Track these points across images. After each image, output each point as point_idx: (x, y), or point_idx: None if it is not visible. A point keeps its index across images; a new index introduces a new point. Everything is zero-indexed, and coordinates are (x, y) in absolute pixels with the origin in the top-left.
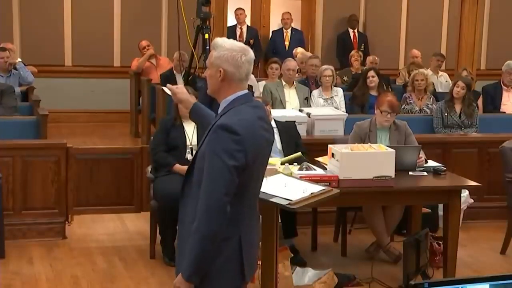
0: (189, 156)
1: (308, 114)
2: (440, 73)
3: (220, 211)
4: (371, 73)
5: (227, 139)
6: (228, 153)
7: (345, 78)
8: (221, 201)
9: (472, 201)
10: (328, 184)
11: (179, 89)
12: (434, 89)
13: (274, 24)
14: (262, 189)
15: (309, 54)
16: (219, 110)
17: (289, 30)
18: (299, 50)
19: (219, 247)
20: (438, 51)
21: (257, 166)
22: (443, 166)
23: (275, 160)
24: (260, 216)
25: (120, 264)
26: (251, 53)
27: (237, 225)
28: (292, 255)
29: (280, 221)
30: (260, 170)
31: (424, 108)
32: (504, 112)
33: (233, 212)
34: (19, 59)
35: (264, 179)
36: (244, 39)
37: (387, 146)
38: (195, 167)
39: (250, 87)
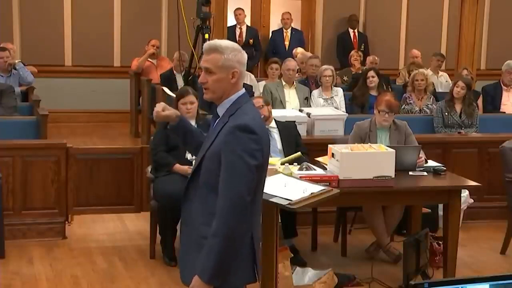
0: (189, 156)
1: (308, 114)
2: (440, 73)
3: (243, 211)
4: (371, 73)
5: (247, 139)
6: (249, 153)
7: (345, 78)
8: (244, 201)
9: (472, 201)
10: (328, 184)
11: (160, 107)
12: (434, 89)
13: (274, 24)
14: None
15: (309, 54)
16: (221, 111)
17: (289, 30)
18: (299, 50)
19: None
20: (438, 51)
21: (266, 163)
22: (443, 166)
23: (275, 160)
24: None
25: (120, 264)
26: None
27: (250, 222)
28: (292, 255)
29: (280, 221)
30: (267, 167)
31: (424, 108)
32: (504, 112)
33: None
34: (19, 60)
35: None
36: (244, 39)
37: (387, 146)
38: (203, 168)
39: (250, 87)
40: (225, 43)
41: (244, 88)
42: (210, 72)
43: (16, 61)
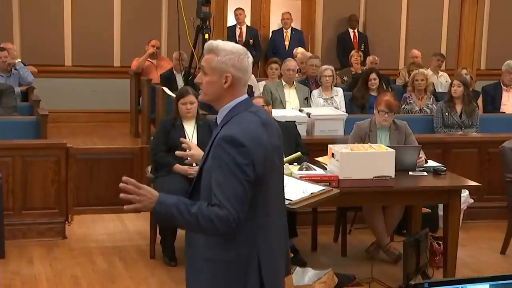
0: None
1: (308, 114)
2: (440, 73)
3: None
4: (373, 75)
5: (234, 153)
6: (237, 168)
7: (345, 78)
8: (234, 218)
9: (472, 201)
10: (328, 184)
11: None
12: (434, 89)
13: (274, 24)
14: None
15: (309, 54)
16: (218, 119)
17: (289, 30)
18: (299, 50)
19: (229, 268)
20: (438, 51)
21: (268, 176)
22: (443, 166)
23: None
24: None
25: (120, 264)
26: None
27: (253, 243)
28: (292, 255)
29: None
30: (273, 178)
31: (424, 108)
32: (504, 112)
33: (248, 230)
34: (19, 59)
35: None
36: (244, 39)
37: (387, 146)
38: (202, 182)
39: (250, 87)
40: (223, 44)
41: (246, 95)
42: (204, 73)
43: (16, 61)
